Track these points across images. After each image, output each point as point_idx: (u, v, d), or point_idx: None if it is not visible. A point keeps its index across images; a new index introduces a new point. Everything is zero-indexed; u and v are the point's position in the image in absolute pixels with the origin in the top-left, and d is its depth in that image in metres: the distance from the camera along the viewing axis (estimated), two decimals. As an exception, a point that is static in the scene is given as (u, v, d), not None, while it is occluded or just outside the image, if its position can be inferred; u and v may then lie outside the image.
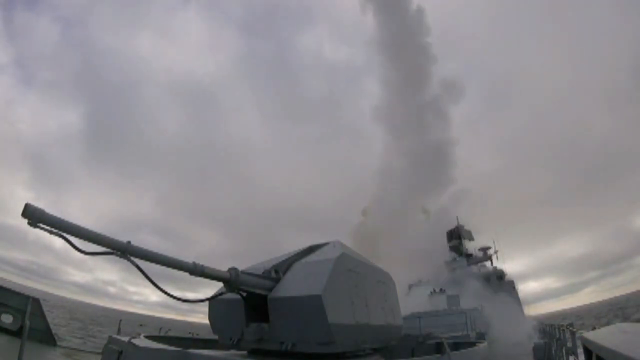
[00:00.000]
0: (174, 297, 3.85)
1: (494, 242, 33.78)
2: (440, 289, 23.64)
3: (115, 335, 5.27)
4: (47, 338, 7.56)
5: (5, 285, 7.29)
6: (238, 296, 4.41)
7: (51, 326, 7.91)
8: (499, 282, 29.79)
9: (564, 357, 6.47)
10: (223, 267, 4.15)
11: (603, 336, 2.38)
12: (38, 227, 2.85)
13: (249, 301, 4.50)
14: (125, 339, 4.53)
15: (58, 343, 8.09)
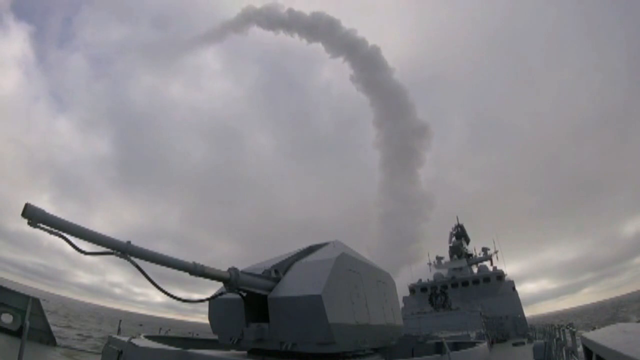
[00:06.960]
0: (174, 297, 3.82)
1: (493, 242, 33.88)
2: (441, 289, 23.62)
3: (115, 335, 5.25)
4: (47, 338, 7.54)
5: (8, 286, 7.25)
6: (238, 296, 4.40)
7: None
8: (499, 282, 29.77)
9: (564, 357, 6.45)
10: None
11: (603, 336, 2.37)
12: (38, 227, 2.82)
13: (249, 301, 4.49)
14: (125, 338, 4.51)
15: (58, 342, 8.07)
